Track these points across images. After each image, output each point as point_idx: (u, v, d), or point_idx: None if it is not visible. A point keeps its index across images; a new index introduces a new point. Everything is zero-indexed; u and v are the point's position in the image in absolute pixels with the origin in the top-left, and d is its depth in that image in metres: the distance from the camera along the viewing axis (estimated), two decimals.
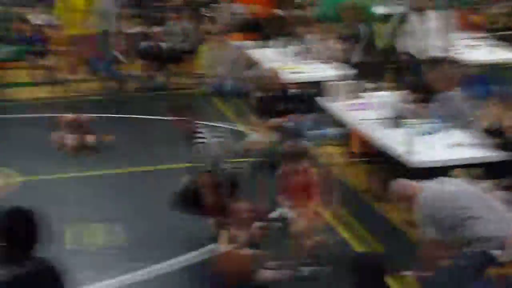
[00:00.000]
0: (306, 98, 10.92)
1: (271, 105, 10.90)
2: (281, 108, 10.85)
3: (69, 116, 12.79)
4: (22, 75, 17.72)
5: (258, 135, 11.47)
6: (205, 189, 8.32)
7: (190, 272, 7.94)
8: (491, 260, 6.23)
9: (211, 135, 8.62)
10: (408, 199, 6.50)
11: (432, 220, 6.26)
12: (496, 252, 6.12)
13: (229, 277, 4.76)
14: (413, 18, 11.97)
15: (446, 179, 6.68)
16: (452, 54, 12.47)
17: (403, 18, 12.83)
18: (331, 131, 12.08)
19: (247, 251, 6.71)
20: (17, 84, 17.37)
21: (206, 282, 4.86)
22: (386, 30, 15.50)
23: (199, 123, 8.82)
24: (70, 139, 12.44)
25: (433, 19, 11.97)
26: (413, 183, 6.62)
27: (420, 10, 11.86)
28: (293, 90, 11.01)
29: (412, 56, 13.30)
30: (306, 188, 7.92)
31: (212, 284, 4.78)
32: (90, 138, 12.84)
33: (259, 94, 11.48)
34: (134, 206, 9.91)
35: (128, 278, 7.96)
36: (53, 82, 16.68)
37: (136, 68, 17.47)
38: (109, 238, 8.91)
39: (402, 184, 6.65)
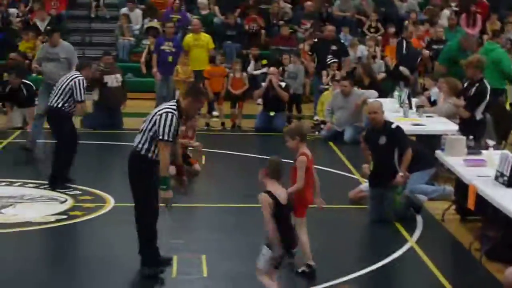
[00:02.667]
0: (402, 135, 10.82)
1: (374, 138, 10.77)
2: (383, 142, 10.66)
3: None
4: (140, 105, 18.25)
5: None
6: None
7: None
8: None
9: None
10: None
11: None
12: None
13: None
14: None
15: None
16: None
17: None
18: (446, 187, 11.85)
19: None
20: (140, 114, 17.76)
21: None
22: None
23: None
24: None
25: None
26: None
27: None
28: (394, 126, 10.85)
29: None
30: None
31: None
32: (196, 167, 13.03)
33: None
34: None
35: None
36: None
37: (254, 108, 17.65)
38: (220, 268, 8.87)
39: None
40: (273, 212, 7.46)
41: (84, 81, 12.14)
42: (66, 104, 11.97)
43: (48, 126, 12.65)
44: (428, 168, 11.76)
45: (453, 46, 16.17)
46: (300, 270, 8.64)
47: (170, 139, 8.21)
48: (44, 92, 14.05)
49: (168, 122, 8.19)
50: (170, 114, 8.22)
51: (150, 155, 8.37)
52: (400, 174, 10.53)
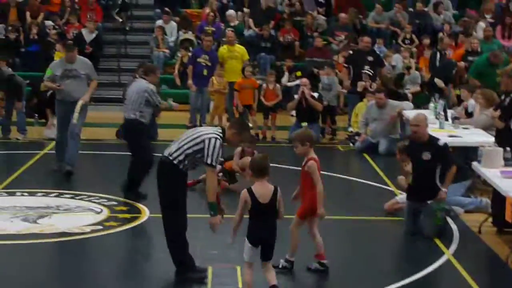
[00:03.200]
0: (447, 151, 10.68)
1: (417, 152, 10.61)
2: (428, 158, 10.52)
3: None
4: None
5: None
6: None
7: None
8: None
9: None
10: None
11: None
12: None
13: None
14: None
15: None
16: None
17: None
18: (482, 199, 11.75)
19: None
20: (175, 126, 17.87)
21: None
22: None
23: None
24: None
25: None
26: None
27: None
28: (441, 143, 10.68)
29: None
30: None
31: None
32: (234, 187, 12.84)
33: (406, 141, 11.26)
34: None
35: None
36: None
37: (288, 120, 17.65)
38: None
39: None
40: (250, 209, 7.88)
41: (154, 88, 12.11)
42: (140, 115, 11.94)
43: (125, 140, 12.53)
44: (464, 180, 11.67)
45: (482, 61, 16.24)
46: (280, 265, 8.89)
47: (216, 163, 8.36)
48: (63, 114, 13.52)
49: (215, 148, 8.34)
50: (217, 141, 8.36)
51: (181, 166, 8.49)
52: (444, 190, 10.42)
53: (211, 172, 8.37)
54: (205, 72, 18.32)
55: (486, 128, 13.12)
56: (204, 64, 18.39)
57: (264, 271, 8.05)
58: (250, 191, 7.90)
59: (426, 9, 23.69)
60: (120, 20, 23.96)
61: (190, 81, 18.51)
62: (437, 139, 10.70)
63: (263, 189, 7.93)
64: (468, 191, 11.98)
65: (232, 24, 22.61)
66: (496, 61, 15.88)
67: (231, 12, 23.16)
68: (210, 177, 8.39)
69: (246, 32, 22.72)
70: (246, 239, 7.96)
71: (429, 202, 10.40)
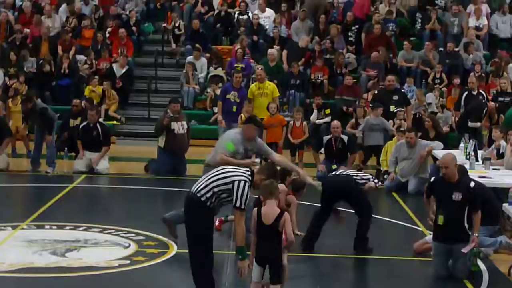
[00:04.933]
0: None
1: (447, 192, 10.44)
2: (458, 199, 10.32)
3: None
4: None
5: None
6: None
7: None
8: None
9: None
10: None
11: None
12: None
13: None
14: None
15: None
16: None
17: None
18: (502, 240, 11.60)
19: None
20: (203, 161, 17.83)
21: None
22: None
23: None
24: None
25: None
26: None
27: None
28: (472, 185, 10.45)
29: None
30: None
31: None
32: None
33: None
34: None
35: None
36: None
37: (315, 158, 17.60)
38: None
39: None
40: (256, 228, 8.21)
41: None
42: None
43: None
44: (494, 224, 11.51)
45: (508, 117, 16.40)
46: None
47: (244, 207, 8.35)
48: None
49: (244, 191, 8.33)
50: (247, 184, 8.36)
51: (208, 203, 8.48)
52: (475, 235, 10.20)
53: (240, 215, 8.33)
54: (234, 108, 18.36)
55: None
56: (233, 100, 18.43)
57: None
58: (258, 211, 8.21)
59: (456, 49, 23.66)
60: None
61: (220, 117, 18.54)
62: (469, 181, 10.49)
63: (268, 210, 8.17)
64: (497, 233, 11.83)
65: (272, 63, 22.50)
66: None
67: (273, 51, 22.98)
68: (239, 221, 8.34)
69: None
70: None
71: (460, 246, 10.21)
